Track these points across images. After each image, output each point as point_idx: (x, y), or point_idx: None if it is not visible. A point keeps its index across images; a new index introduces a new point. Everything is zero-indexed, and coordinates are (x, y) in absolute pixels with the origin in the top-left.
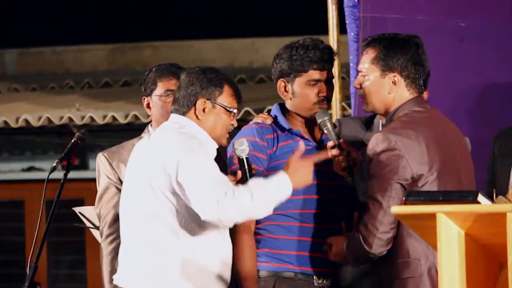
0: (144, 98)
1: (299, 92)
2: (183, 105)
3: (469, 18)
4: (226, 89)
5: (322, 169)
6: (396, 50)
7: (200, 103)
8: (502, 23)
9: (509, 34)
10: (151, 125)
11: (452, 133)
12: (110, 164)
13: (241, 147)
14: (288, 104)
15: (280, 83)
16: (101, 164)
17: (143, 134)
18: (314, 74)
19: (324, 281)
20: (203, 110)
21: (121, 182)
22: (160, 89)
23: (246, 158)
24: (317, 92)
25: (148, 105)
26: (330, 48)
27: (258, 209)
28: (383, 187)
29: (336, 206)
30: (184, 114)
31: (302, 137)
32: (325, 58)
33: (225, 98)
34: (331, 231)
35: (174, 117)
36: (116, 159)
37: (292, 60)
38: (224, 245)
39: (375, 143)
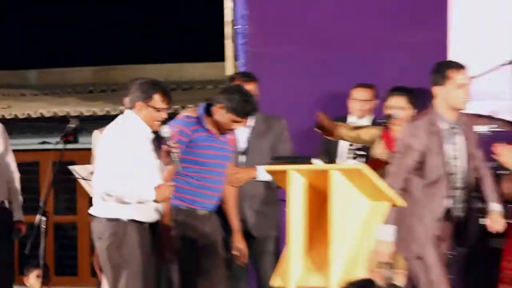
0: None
1: (224, 120)
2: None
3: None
4: (156, 95)
5: (218, 153)
6: None
7: (138, 104)
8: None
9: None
10: None
11: None
12: None
13: (164, 130)
14: (214, 114)
15: (222, 109)
16: (96, 137)
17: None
18: (239, 119)
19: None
20: (140, 108)
21: None
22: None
23: (168, 137)
24: (235, 124)
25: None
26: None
27: (125, 201)
28: None
29: (222, 174)
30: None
31: (209, 132)
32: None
33: (156, 100)
34: (218, 189)
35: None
36: None
37: (240, 107)
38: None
39: None
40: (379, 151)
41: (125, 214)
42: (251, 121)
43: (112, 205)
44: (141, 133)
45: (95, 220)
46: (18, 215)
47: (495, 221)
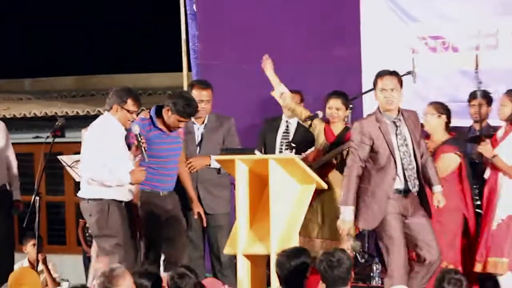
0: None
1: (171, 120)
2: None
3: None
4: (129, 100)
5: (170, 147)
6: None
7: (114, 107)
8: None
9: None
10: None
11: None
12: None
13: (134, 128)
14: (164, 115)
15: (169, 111)
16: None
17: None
18: (183, 119)
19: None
20: (116, 110)
21: None
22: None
23: (138, 134)
24: (181, 123)
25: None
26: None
27: (106, 184)
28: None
29: (175, 162)
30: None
31: (161, 130)
32: (191, 114)
33: (129, 104)
34: (173, 175)
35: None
36: None
37: (183, 108)
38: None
39: None
40: (320, 142)
41: (107, 195)
42: (205, 119)
43: (97, 188)
44: (117, 130)
45: (84, 201)
46: (16, 195)
47: (439, 200)
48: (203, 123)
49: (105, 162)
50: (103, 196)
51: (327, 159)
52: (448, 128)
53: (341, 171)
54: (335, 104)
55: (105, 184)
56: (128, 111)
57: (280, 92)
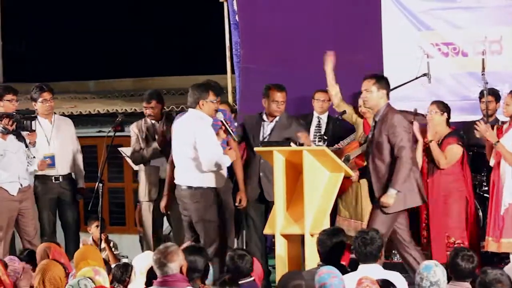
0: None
1: (209, 109)
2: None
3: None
4: (211, 92)
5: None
6: None
7: (200, 103)
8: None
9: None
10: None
11: None
12: (139, 130)
13: (219, 115)
14: (202, 108)
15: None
16: (131, 130)
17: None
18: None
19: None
20: (202, 105)
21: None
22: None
23: (224, 119)
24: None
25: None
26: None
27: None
28: None
29: None
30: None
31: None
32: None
33: (211, 96)
34: None
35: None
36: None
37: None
38: None
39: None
40: (359, 134)
41: (208, 183)
42: (276, 118)
43: (200, 176)
44: (209, 121)
45: (188, 189)
46: (81, 183)
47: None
48: (272, 121)
49: (215, 150)
50: (206, 184)
51: (364, 149)
52: (448, 123)
53: None
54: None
55: (221, 167)
56: (212, 102)
57: (335, 92)
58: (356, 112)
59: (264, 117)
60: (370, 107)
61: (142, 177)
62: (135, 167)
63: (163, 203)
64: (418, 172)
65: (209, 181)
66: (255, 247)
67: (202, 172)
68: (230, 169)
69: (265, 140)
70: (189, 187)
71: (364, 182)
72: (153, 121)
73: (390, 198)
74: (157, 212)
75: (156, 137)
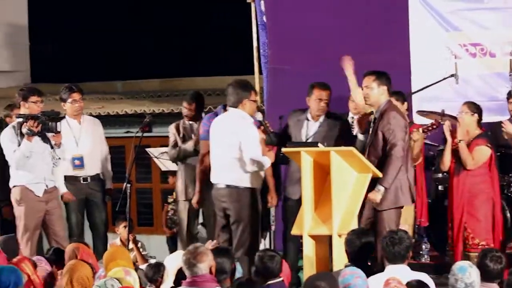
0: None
1: (250, 106)
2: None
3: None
4: (252, 91)
5: None
6: None
7: (244, 102)
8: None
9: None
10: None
11: None
12: (177, 130)
13: (258, 115)
14: (244, 107)
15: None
16: (170, 130)
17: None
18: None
19: None
20: (245, 104)
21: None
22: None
23: (263, 119)
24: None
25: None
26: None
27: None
28: None
29: None
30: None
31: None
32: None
33: (252, 95)
34: None
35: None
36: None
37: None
38: None
39: None
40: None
41: (246, 183)
42: (320, 118)
43: (243, 176)
44: (251, 121)
45: (227, 188)
46: (109, 184)
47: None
48: (317, 120)
49: (259, 151)
50: (246, 184)
51: None
52: (479, 124)
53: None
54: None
55: (263, 167)
56: (253, 101)
57: (359, 94)
58: None
59: (309, 116)
60: (371, 104)
61: (179, 176)
62: (163, 168)
63: (195, 199)
64: (412, 172)
65: (249, 181)
66: (292, 246)
67: (245, 172)
68: None
69: (308, 140)
70: (228, 186)
71: None
72: (190, 122)
73: (377, 194)
74: (192, 212)
75: (193, 136)
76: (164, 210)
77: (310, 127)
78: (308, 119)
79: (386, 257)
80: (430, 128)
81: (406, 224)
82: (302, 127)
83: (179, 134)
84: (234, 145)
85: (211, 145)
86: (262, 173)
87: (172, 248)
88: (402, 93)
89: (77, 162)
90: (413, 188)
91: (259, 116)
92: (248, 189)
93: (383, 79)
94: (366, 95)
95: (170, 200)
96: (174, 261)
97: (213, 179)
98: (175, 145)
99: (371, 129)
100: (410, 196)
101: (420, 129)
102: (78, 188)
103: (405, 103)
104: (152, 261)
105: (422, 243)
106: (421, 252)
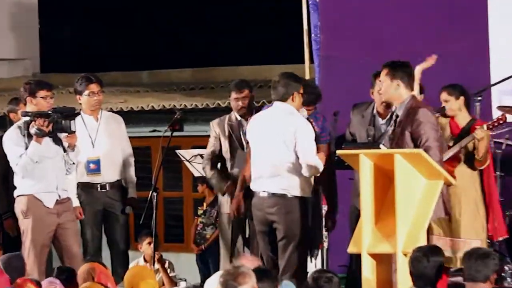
0: None
1: (299, 100)
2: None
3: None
4: (302, 85)
5: None
6: None
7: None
8: None
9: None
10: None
11: None
12: (221, 129)
13: (304, 113)
14: (295, 102)
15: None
16: (212, 128)
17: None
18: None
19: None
20: (294, 98)
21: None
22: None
23: (308, 117)
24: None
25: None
26: None
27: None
28: None
29: None
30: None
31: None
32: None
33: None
34: None
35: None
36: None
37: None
38: None
39: None
40: (446, 137)
41: (297, 191)
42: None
43: (288, 183)
44: (303, 118)
45: (273, 197)
46: (132, 192)
47: None
48: (385, 116)
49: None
50: (297, 193)
51: (452, 153)
52: None
53: (468, 165)
54: (442, 97)
55: (318, 172)
56: (302, 94)
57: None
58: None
59: (375, 111)
60: (386, 100)
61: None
62: (196, 173)
63: (234, 205)
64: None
65: (299, 189)
66: None
67: (299, 177)
68: None
69: (379, 140)
70: (274, 195)
71: (462, 188)
72: (239, 118)
73: None
74: (236, 226)
75: (243, 137)
76: (194, 224)
77: (377, 125)
78: (374, 115)
79: (467, 275)
80: (496, 124)
81: (478, 239)
82: (366, 124)
83: (223, 133)
84: (286, 146)
85: (252, 146)
86: (312, 181)
87: (203, 269)
88: (453, 86)
89: (92, 166)
90: (446, 197)
91: (304, 114)
92: (298, 198)
93: (399, 72)
94: (381, 91)
95: (199, 211)
96: (215, 284)
97: (254, 186)
98: (217, 152)
99: (391, 125)
100: (444, 208)
101: (485, 126)
102: (94, 197)
103: (461, 98)
104: (182, 284)
105: (504, 264)
106: (503, 274)
